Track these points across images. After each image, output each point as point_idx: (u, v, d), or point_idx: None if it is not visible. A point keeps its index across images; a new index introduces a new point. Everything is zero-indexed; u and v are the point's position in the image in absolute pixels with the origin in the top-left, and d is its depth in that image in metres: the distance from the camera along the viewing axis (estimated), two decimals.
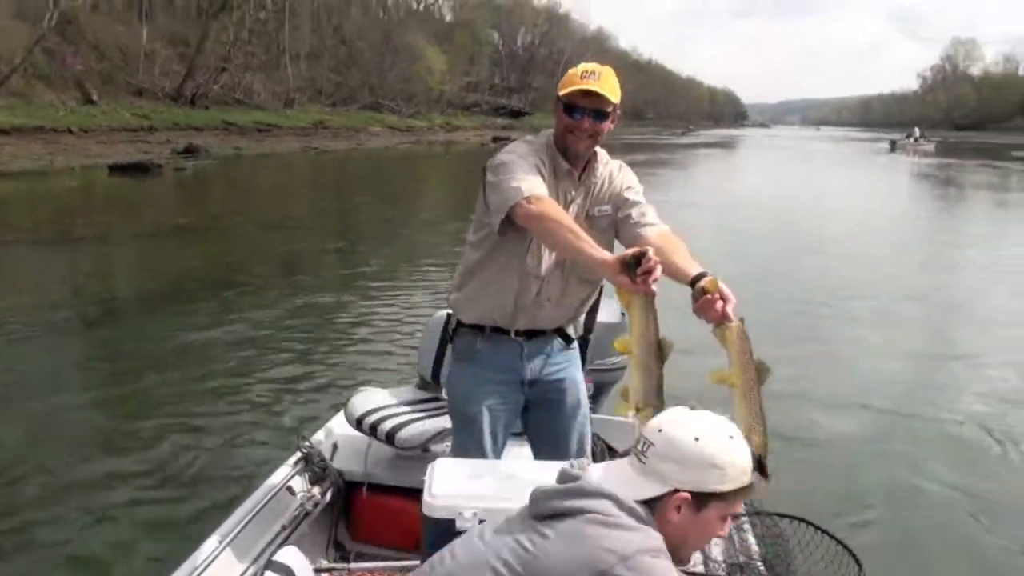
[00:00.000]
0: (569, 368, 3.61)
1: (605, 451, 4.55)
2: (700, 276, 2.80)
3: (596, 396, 4.83)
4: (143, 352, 9.34)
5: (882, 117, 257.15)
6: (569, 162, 3.33)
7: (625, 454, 3.74)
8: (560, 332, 3.55)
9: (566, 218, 3.07)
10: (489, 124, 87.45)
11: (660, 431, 2.05)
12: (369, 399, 4.47)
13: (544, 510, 2.06)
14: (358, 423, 4.31)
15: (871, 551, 3.53)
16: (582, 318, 3.68)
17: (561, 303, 3.43)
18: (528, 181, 3.12)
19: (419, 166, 47.53)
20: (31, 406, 7.45)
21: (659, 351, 2.81)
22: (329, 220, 22.48)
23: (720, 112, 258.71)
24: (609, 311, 4.44)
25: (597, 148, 3.38)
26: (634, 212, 3.30)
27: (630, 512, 2.00)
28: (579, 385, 3.66)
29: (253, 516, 3.71)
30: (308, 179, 36.21)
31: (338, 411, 4.78)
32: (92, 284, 13.42)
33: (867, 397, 8.53)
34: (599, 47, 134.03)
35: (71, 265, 14.88)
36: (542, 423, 3.64)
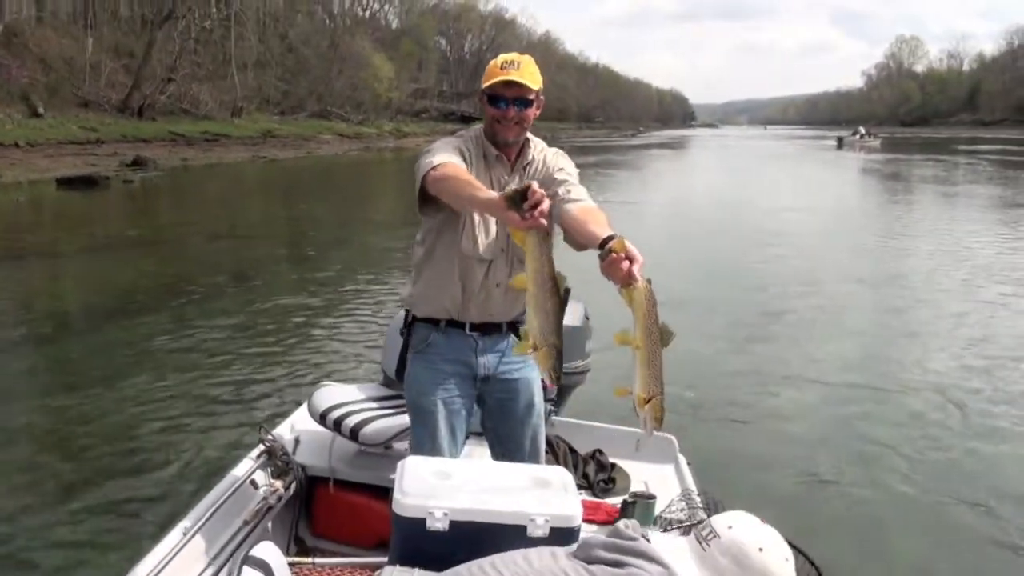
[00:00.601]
0: (524, 369, 3.64)
1: (567, 453, 4.65)
2: (609, 238, 2.78)
3: (560, 399, 4.92)
4: (97, 363, 9.34)
5: (828, 115, 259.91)
6: (500, 150, 3.47)
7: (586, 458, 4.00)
8: (515, 329, 3.56)
9: (464, 174, 3.15)
10: (439, 130, 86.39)
11: (730, 528, 2.14)
12: (333, 394, 4.49)
13: (594, 557, 2.12)
14: (322, 418, 4.31)
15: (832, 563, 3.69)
16: None
17: (511, 290, 3.41)
18: (441, 156, 3.24)
19: (370, 172, 47.44)
20: None
21: (554, 288, 2.78)
22: (281, 228, 22.53)
23: (669, 113, 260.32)
24: (572, 314, 4.47)
25: (529, 136, 3.52)
26: (560, 190, 3.33)
27: None
28: (533, 386, 3.68)
29: (216, 509, 3.67)
30: (258, 188, 36.06)
31: (300, 406, 4.80)
32: (42, 299, 13.31)
33: (822, 380, 8.96)
34: (546, 51, 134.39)
35: (20, 280, 14.73)
36: (496, 422, 3.70)
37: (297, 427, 4.60)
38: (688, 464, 4.66)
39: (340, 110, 75.49)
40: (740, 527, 2.15)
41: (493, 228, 3.45)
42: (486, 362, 3.57)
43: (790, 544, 3.26)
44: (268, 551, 2.79)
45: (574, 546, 2.29)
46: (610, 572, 2.04)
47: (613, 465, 4.68)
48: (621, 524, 2.21)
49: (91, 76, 53.34)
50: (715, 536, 2.12)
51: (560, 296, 2.80)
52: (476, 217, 3.42)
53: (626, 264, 2.66)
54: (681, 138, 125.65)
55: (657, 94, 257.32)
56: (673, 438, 4.78)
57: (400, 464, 2.98)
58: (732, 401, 8.36)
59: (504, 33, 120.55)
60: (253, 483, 3.95)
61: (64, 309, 12.68)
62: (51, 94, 48.94)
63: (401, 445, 4.13)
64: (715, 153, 77.82)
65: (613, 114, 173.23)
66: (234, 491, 3.84)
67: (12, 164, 35.01)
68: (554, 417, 4.78)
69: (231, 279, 14.65)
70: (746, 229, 21.05)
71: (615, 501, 4.19)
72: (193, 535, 3.45)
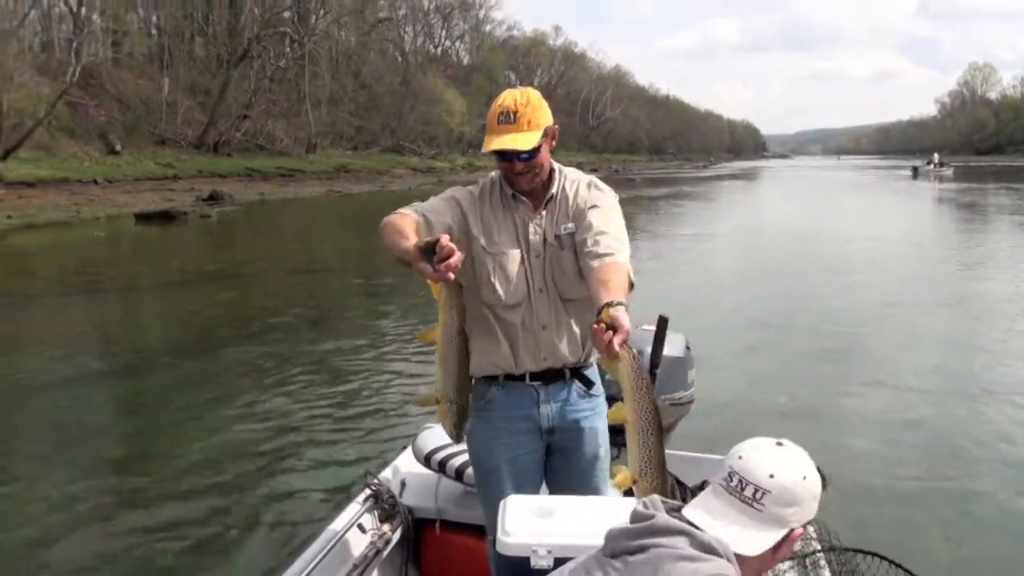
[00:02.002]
0: (592, 418, 3.39)
1: (675, 486, 4.41)
2: (607, 305, 2.63)
3: (666, 432, 4.57)
4: (182, 399, 9.05)
5: (901, 144, 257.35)
6: (523, 193, 3.28)
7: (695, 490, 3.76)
8: (579, 376, 3.36)
9: (398, 221, 3.08)
10: None
11: (772, 477, 1.98)
12: (436, 436, 4.31)
13: (618, 549, 2.03)
14: (426, 460, 4.21)
15: None
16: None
17: (561, 330, 3.25)
18: (405, 208, 3.19)
19: None
20: (66, 458, 7.13)
21: (463, 345, 2.82)
22: (358, 262, 22.15)
23: (740, 144, 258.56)
24: (673, 345, 4.41)
25: (555, 166, 3.31)
26: (589, 239, 3.07)
27: (705, 548, 1.94)
28: (599, 437, 3.43)
29: (325, 554, 3.66)
30: (334, 222, 36.09)
31: (405, 448, 4.67)
32: (123, 332, 13.23)
33: (915, 416, 8.44)
34: (617, 84, 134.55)
35: (101, 314, 14.72)
36: (558, 469, 3.47)
37: (402, 470, 4.49)
38: None
39: (413, 144, 76.17)
40: (778, 471, 1.99)
41: (513, 270, 3.24)
42: (549, 412, 3.34)
43: (903, 568, 3.06)
44: None
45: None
46: (631, 561, 1.98)
47: None
48: (639, 505, 2.10)
49: (167, 114, 54.57)
50: (765, 492, 1.98)
51: (466, 354, 2.85)
52: (490, 263, 3.25)
53: (608, 335, 2.53)
54: (754, 169, 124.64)
55: (728, 125, 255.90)
56: None
57: (501, 504, 2.95)
58: (830, 420, 8.23)
59: (574, 67, 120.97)
60: (360, 527, 3.95)
61: (146, 343, 12.46)
62: (128, 132, 50.05)
63: None
64: (791, 184, 76.67)
65: (684, 145, 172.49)
66: (342, 536, 3.84)
67: (91, 200, 35.59)
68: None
69: (315, 313, 14.29)
70: (825, 255, 20.60)
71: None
72: (316, 564, 3.49)
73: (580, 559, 2.13)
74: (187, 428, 7.97)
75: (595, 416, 3.39)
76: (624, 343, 2.54)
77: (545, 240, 3.22)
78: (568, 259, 3.16)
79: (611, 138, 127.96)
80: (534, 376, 3.31)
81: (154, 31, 62.60)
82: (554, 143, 3.26)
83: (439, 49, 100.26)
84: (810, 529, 3.65)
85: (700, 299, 14.56)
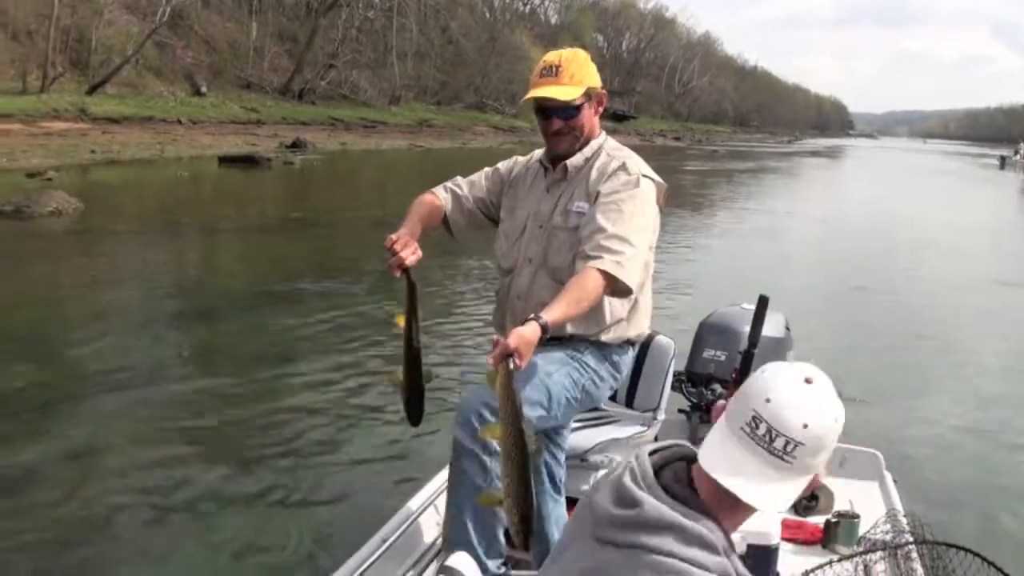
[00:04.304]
0: (545, 356, 3.12)
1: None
2: (533, 317, 2.71)
3: None
4: (260, 349, 8.79)
5: (990, 131, 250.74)
6: (560, 159, 3.26)
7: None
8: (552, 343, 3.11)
9: (421, 201, 3.39)
10: None
11: (806, 427, 1.77)
12: None
13: (605, 537, 1.86)
14: None
15: None
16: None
17: (528, 301, 3.17)
18: (446, 186, 3.45)
19: None
20: (141, 398, 7.03)
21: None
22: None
23: (827, 121, 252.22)
24: (773, 325, 4.45)
25: (600, 139, 3.26)
26: (585, 232, 3.05)
27: (695, 542, 1.77)
28: (547, 365, 3.15)
29: (416, 517, 3.75)
30: (415, 176, 35.70)
31: None
32: (203, 275, 13.17)
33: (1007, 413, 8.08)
34: (706, 52, 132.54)
35: (181, 254, 14.66)
36: None
37: None
38: (895, 482, 4.53)
39: (495, 103, 75.48)
40: (811, 420, 1.77)
41: (513, 236, 3.31)
42: None
43: (996, 567, 2.93)
44: (463, 561, 2.85)
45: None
46: (612, 564, 1.81)
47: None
48: (627, 476, 1.88)
49: (254, 59, 54.61)
50: (797, 445, 1.76)
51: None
52: (506, 220, 3.36)
53: (499, 348, 2.52)
54: (839, 147, 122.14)
55: (816, 100, 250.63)
56: (879, 454, 4.70)
57: (593, 476, 3.08)
58: (929, 414, 7.86)
59: (663, 31, 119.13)
60: (436, 509, 3.93)
61: (227, 287, 12.25)
62: (214, 75, 50.30)
63: (598, 458, 4.00)
64: (875, 166, 75.44)
65: (769, 119, 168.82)
66: (433, 500, 3.90)
67: (175, 140, 35.72)
68: None
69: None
70: (910, 248, 19.91)
71: (818, 520, 4.07)
72: (392, 542, 3.51)
73: (576, 529, 1.98)
74: (263, 378, 7.72)
75: (545, 351, 3.05)
76: (500, 358, 2.50)
77: (554, 211, 3.20)
78: (567, 238, 3.12)
79: (696, 107, 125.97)
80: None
81: None
82: (600, 109, 3.20)
83: (527, 7, 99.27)
84: (903, 521, 3.79)
85: (793, 278, 14.05)
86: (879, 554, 3.46)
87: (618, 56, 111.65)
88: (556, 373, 3.17)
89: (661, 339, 4.32)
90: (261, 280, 12.48)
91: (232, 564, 4.62)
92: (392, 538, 3.53)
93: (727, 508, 1.82)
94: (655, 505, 1.80)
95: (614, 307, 3.18)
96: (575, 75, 3.07)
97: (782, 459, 1.78)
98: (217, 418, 6.72)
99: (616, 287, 2.94)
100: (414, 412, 3.12)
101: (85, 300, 10.55)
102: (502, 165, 3.45)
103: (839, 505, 4.17)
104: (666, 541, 1.77)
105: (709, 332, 4.77)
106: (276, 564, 4.65)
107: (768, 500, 1.78)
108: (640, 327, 3.36)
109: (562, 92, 3.06)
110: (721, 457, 1.80)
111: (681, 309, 10.06)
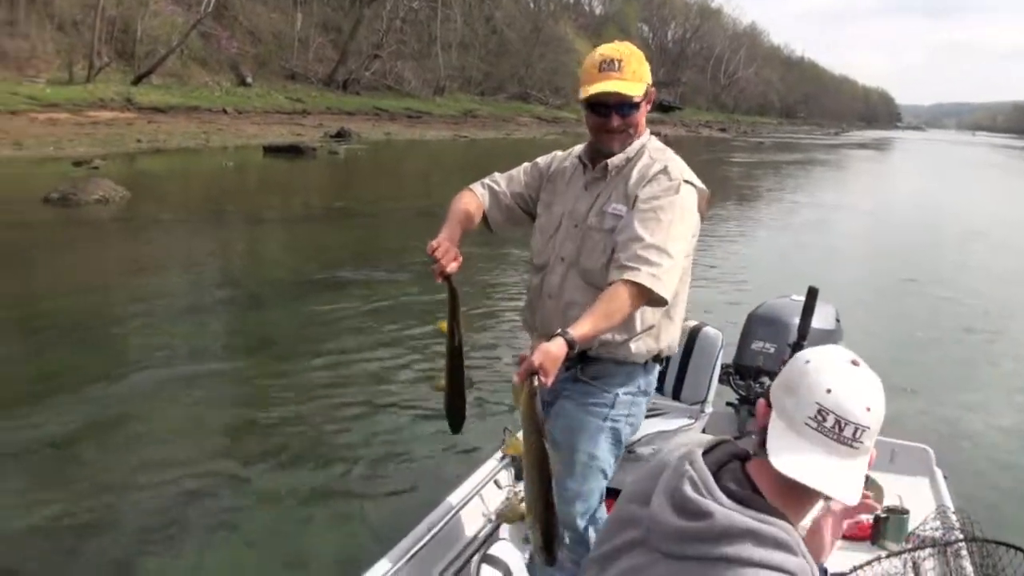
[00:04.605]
0: (573, 407, 3.18)
1: None
2: (560, 333, 2.67)
3: None
4: (308, 336, 8.87)
5: None
6: (602, 158, 3.16)
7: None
8: (585, 361, 3.13)
9: (460, 198, 3.33)
10: None
11: (869, 410, 1.78)
12: None
13: (670, 550, 1.79)
14: None
15: None
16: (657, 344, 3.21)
17: (559, 300, 3.14)
18: (484, 182, 3.38)
19: None
20: (188, 382, 7.15)
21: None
22: None
23: (874, 113, 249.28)
24: (823, 317, 4.44)
25: (643, 139, 3.16)
26: (620, 240, 2.95)
27: (771, 543, 1.72)
28: (576, 425, 3.16)
29: (460, 507, 3.79)
30: (459, 166, 35.68)
31: None
32: (249, 263, 13.27)
33: None
34: (752, 42, 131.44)
35: (227, 243, 14.75)
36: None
37: None
38: (945, 478, 4.46)
39: (540, 93, 75.45)
40: (872, 402, 1.77)
41: (550, 229, 3.23)
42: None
43: None
44: (507, 551, 2.94)
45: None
46: (691, 570, 1.75)
47: (867, 476, 3.72)
48: (688, 486, 1.80)
49: (299, 49, 54.77)
50: (864, 430, 1.76)
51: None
52: (542, 215, 3.30)
53: (524, 364, 2.57)
54: (887, 140, 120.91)
55: (863, 92, 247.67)
56: (930, 449, 4.65)
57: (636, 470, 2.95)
58: (979, 409, 7.77)
59: (709, 22, 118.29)
60: (496, 483, 4.09)
61: (272, 275, 12.36)
62: (259, 65, 50.50)
63: (645, 450, 4.01)
64: (923, 159, 74.82)
65: (816, 110, 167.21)
66: (477, 491, 3.97)
67: (220, 129, 35.89)
68: None
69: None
70: (956, 235, 20.09)
71: (867, 515, 3.87)
72: (438, 531, 3.56)
73: (626, 539, 1.91)
74: (311, 366, 7.76)
75: (579, 406, 3.15)
76: (525, 375, 2.53)
77: (590, 211, 3.10)
78: (601, 239, 3.04)
79: (742, 98, 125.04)
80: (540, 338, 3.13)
81: None
82: (648, 107, 3.12)
83: None
84: (952, 517, 3.76)
85: (842, 270, 14.05)
86: (928, 551, 3.44)
87: (663, 47, 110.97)
88: (598, 452, 3.16)
89: (709, 331, 4.25)
90: (305, 269, 12.52)
91: (277, 552, 4.65)
92: (437, 527, 3.55)
93: (792, 505, 1.81)
94: (726, 514, 1.77)
95: (645, 316, 3.10)
96: (637, 71, 3.00)
97: (851, 446, 1.79)
98: (258, 406, 6.75)
99: (651, 298, 2.87)
100: (455, 418, 3.13)
101: (130, 287, 10.65)
102: (541, 160, 3.40)
103: (888, 500, 4.11)
104: (744, 548, 1.74)
105: (758, 324, 4.70)
106: (322, 553, 4.64)
107: (850, 491, 1.79)
108: (671, 337, 3.26)
109: (628, 87, 2.98)
110: (796, 458, 1.78)
111: (729, 300, 10.01)
